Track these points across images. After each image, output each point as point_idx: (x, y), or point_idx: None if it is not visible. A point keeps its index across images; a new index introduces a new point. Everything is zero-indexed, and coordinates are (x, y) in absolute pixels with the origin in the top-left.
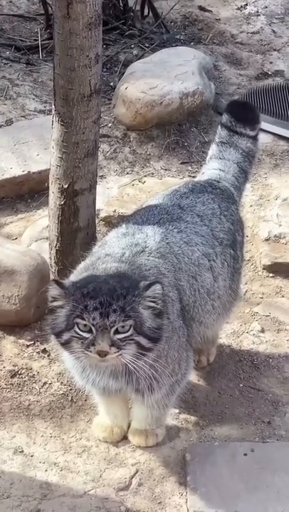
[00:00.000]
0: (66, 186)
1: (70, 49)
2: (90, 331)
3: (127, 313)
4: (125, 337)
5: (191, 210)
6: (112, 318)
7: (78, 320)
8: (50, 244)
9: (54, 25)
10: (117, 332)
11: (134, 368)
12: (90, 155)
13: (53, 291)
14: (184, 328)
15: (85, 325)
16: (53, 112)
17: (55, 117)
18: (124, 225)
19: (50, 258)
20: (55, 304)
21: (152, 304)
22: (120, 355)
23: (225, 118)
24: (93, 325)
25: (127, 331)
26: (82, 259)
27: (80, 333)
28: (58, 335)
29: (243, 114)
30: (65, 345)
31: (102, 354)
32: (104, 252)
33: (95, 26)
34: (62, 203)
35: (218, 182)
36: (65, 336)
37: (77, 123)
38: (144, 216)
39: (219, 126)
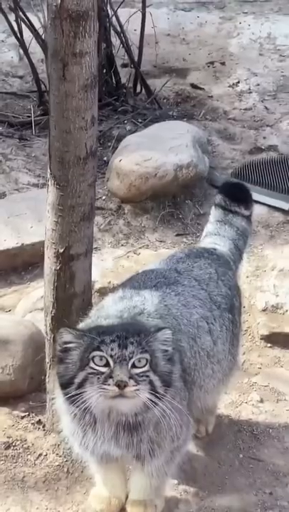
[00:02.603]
0: (62, 251)
1: (65, 111)
2: (106, 365)
3: (143, 347)
4: (142, 372)
5: (188, 274)
6: (130, 349)
7: (95, 353)
8: (45, 311)
9: (50, 88)
10: (134, 366)
11: (148, 406)
12: (86, 219)
13: (66, 336)
14: (185, 390)
15: (102, 358)
16: (49, 175)
17: (51, 180)
18: (120, 290)
19: (46, 325)
20: (68, 346)
21: (164, 347)
22: (138, 390)
23: (219, 198)
24: (111, 356)
25: (144, 366)
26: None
27: (97, 368)
28: (70, 381)
29: (237, 194)
30: (79, 388)
31: (122, 385)
32: (104, 314)
33: (90, 88)
34: (57, 268)
35: (215, 250)
36: (78, 378)
37: (73, 186)
38: (141, 280)
39: (213, 207)
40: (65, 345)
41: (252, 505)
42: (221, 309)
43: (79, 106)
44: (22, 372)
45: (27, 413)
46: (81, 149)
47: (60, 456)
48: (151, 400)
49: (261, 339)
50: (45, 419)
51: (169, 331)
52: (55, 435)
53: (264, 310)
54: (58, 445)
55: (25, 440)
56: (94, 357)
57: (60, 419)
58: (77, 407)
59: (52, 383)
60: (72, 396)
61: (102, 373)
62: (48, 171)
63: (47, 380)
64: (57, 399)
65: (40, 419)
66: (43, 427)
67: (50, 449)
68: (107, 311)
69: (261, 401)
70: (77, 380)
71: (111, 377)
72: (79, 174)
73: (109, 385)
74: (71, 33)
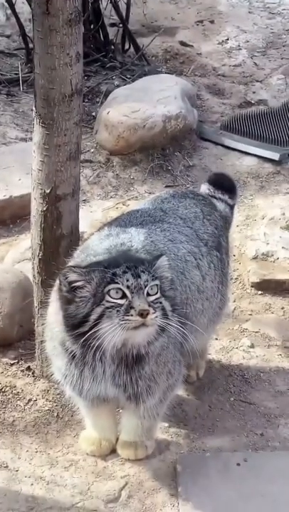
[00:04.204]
0: (48, 191)
1: (50, 47)
2: (123, 297)
3: (153, 274)
4: (156, 299)
5: (173, 213)
6: (143, 277)
7: (111, 286)
8: (32, 254)
9: (33, 23)
10: (148, 294)
11: (158, 333)
12: (73, 158)
13: (71, 275)
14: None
15: (118, 290)
16: (34, 113)
17: (36, 119)
18: (106, 228)
19: (33, 268)
20: (76, 284)
21: (164, 274)
22: (156, 317)
23: (204, 188)
24: (128, 287)
25: (156, 293)
26: None
27: (114, 301)
28: (83, 319)
29: (222, 182)
30: (96, 325)
31: (145, 314)
32: (91, 252)
33: (75, 23)
34: (44, 208)
35: (200, 192)
36: (95, 314)
37: (58, 124)
38: (127, 219)
39: None
40: (72, 285)
41: (243, 446)
42: (208, 247)
43: (63, 41)
44: (10, 319)
45: (16, 360)
46: (66, 86)
47: (49, 402)
48: (166, 324)
49: (252, 287)
50: (34, 366)
51: (165, 256)
52: (44, 381)
53: (254, 258)
54: (48, 391)
55: (15, 386)
56: (109, 290)
57: (52, 362)
58: (88, 345)
59: (41, 327)
60: (84, 334)
61: (121, 305)
62: (34, 109)
63: (35, 325)
64: (48, 342)
65: (29, 366)
66: (33, 373)
67: (40, 395)
68: (94, 249)
69: (252, 346)
70: (93, 317)
71: (132, 307)
72: (64, 112)
73: (132, 315)
74: None
